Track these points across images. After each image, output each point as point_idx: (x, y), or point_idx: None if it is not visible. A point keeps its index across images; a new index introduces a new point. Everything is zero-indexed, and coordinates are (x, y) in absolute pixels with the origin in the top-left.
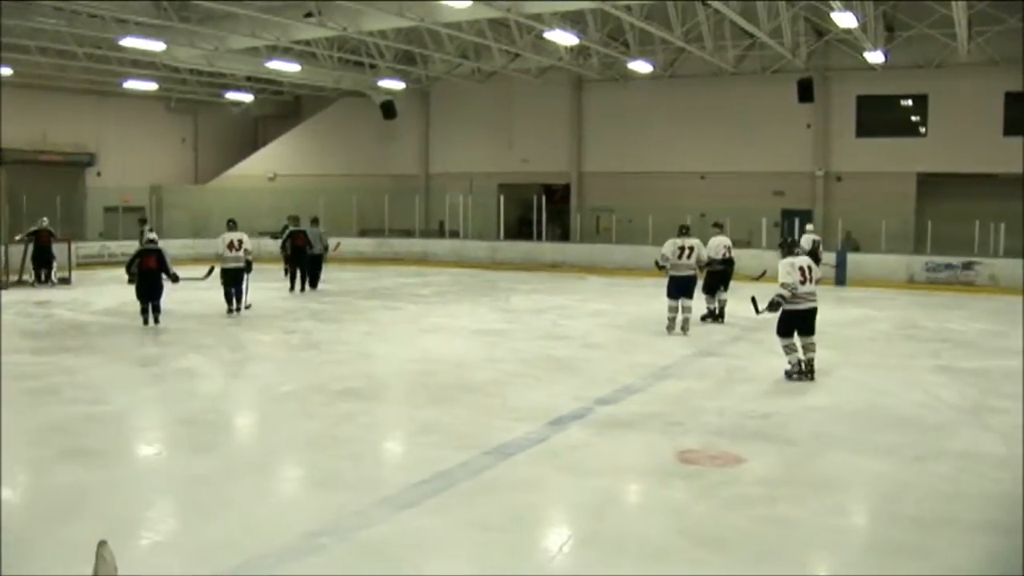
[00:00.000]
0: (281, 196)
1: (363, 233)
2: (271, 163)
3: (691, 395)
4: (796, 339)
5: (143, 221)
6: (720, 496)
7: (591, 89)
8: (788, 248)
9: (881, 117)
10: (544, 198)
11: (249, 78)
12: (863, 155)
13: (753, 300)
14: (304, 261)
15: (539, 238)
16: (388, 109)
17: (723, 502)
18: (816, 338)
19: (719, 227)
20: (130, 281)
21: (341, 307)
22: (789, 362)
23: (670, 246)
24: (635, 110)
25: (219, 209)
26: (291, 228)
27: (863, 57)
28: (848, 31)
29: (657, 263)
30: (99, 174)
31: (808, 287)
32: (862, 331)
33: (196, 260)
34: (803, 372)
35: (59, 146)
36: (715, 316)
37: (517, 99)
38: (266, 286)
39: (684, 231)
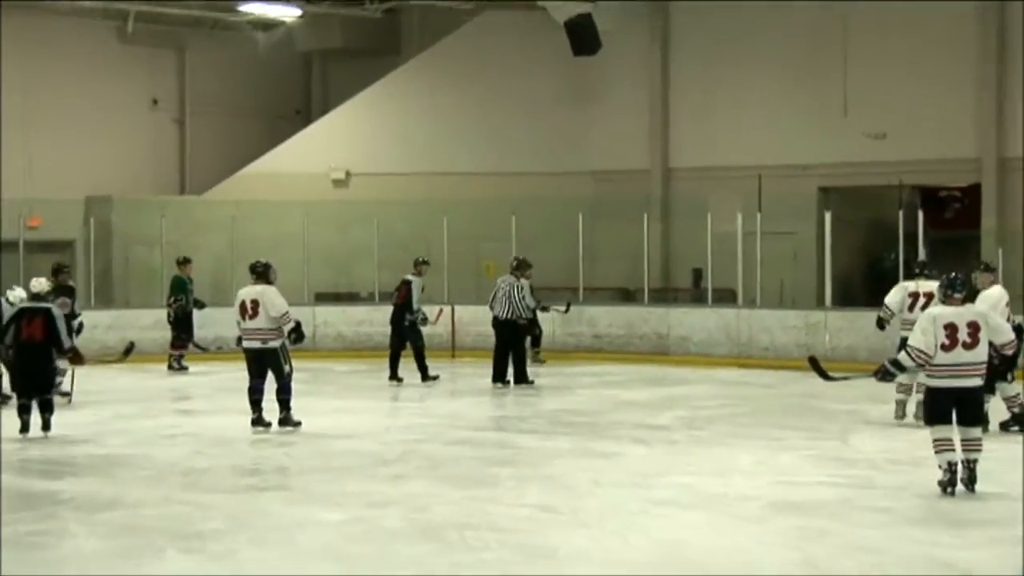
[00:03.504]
0: (360, 215)
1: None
2: (338, 150)
3: None
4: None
5: None
6: None
7: None
8: (944, 292)
9: None
10: (921, 215)
11: None
12: None
13: (811, 361)
14: (403, 332)
15: None
16: (583, 36)
17: None
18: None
19: (988, 268)
20: (2, 358)
21: (490, 450)
22: (939, 465)
23: (898, 292)
24: None
25: (233, 247)
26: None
27: None
28: None
29: (880, 319)
30: None
31: (958, 354)
32: None
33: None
34: (954, 482)
35: None
36: (1019, 419)
37: (857, 15)
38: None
39: (920, 270)
